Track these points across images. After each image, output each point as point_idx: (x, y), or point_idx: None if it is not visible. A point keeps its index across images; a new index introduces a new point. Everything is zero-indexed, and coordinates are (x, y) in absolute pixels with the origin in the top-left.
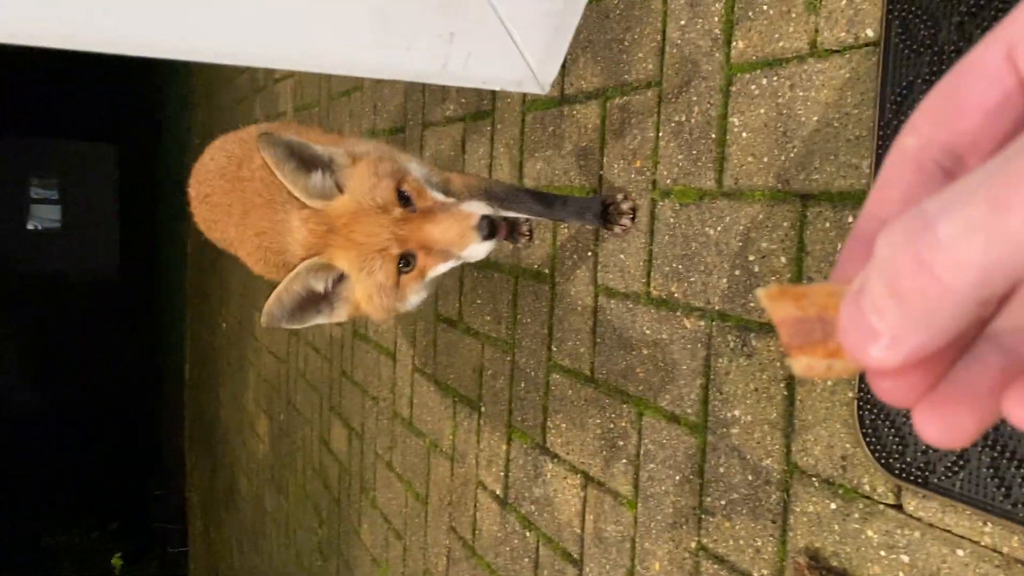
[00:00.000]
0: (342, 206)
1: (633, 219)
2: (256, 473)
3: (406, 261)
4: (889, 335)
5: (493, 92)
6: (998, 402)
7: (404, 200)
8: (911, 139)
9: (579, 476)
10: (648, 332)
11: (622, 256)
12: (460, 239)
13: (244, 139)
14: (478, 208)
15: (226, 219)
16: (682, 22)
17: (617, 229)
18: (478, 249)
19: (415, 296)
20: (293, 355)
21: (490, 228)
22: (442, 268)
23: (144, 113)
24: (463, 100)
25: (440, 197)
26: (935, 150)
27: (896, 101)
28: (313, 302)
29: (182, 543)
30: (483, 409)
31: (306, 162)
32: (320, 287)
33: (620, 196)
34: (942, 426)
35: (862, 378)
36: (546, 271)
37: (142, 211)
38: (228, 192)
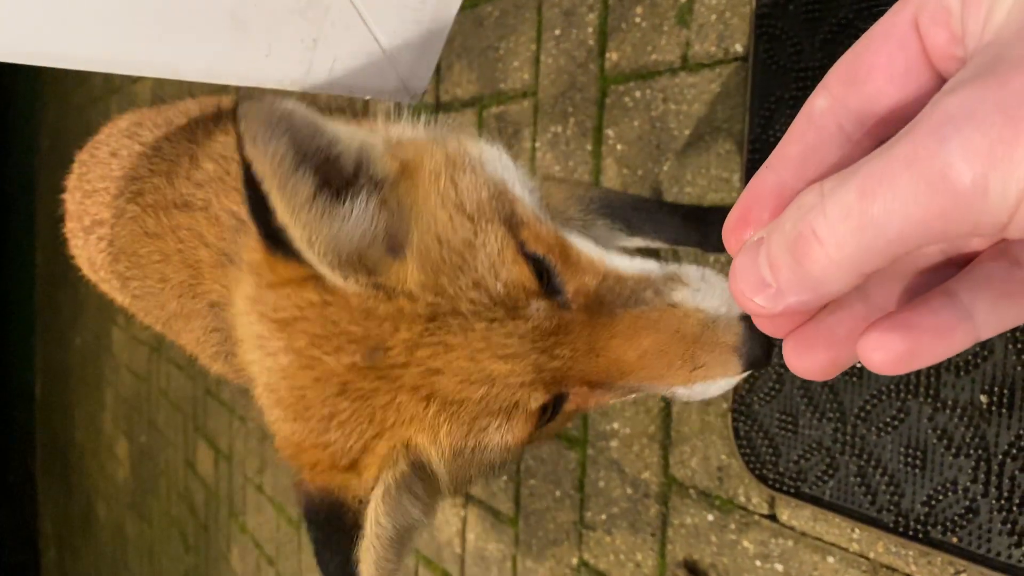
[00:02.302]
0: (408, 295)
1: None
2: (116, 498)
3: (550, 406)
4: (776, 288)
5: (366, 101)
6: (853, 344)
7: (539, 272)
8: (821, 100)
9: (459, 496)
10: None
11: None
12: (688, 364)
13: (177, 119)
14: (728, 300)
15: (143, 271)
16: (556, 32)
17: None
18: (726, 384)
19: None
20: (154, 373)
21: (762, 346)
22: (615, 401)
23: None
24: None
25: (606, 258)
26: (841, 112)
27: (765, 116)
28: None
29: None
30: None
31: (324, 171)
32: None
33: None
34: (805, 362)
35: (737, 390)
36: None
37: None
38: (143, 223)
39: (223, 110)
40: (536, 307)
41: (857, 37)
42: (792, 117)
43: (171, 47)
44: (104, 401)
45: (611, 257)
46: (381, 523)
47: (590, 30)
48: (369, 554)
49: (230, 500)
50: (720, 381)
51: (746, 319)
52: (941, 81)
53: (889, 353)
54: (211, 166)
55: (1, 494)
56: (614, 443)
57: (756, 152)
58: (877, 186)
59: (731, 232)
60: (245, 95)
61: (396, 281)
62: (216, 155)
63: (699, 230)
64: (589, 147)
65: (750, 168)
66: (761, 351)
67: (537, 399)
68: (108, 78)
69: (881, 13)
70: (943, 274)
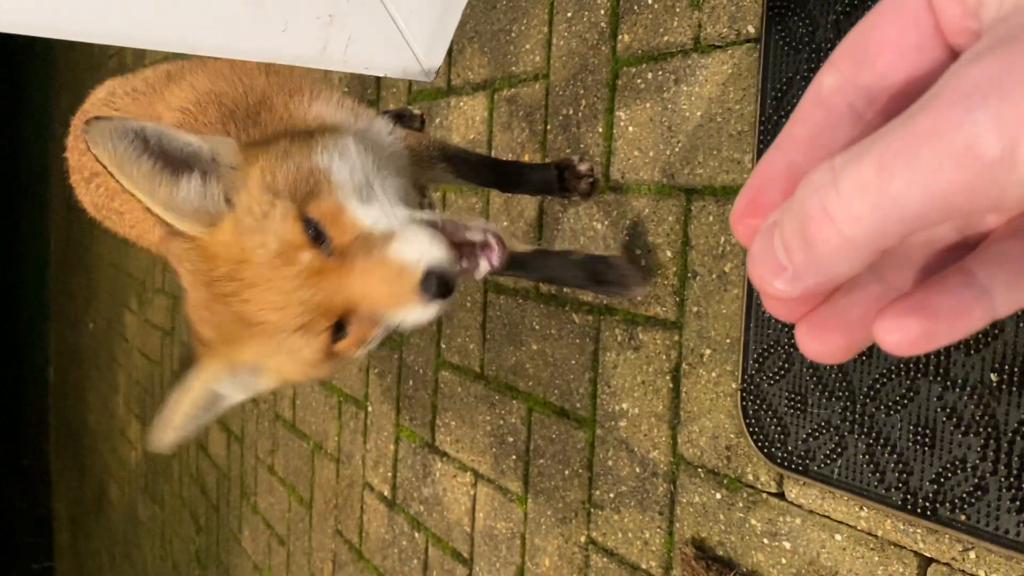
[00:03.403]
0: (224, 244)
1: (593, 183)
2: (128, 481)
3: (338, 326)
4: (793, 271)
5: (378, 80)
6: (868, 326)
7: (316, 235)
8: (829, 78)
9: (469, 474)
10: (537, 327)
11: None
12: (392, 300)
13: (160, 82)
14: (423, 251)
15: (132, 205)
16: (569, 14)
17: (576, 197)
18: (419, 315)
19: (360, 353)
20: (167, 356)
21: (440, 286)
22: (378, 334)
23: None
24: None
25: (368, 218)
26: (850, 90)
27: (776, 97)
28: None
29: (47, 557)
30: (370, 408)
31: (174, 160)
32: (227, 388)
33: (576, 159)
34: (818, 346)
35: (746, 369)
36: None
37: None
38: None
39: (172, 74)
40: (305, 256)
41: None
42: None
43: (188, 22)
44: (117, 384)
45: (372, 220)
46: (197, 385)
47: (602, 12)
48: (181, 397)
49: (241, 481)
50: (411, 312)
51: (434, 271)
52: (954, 56)
53: (906, 335)
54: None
55: (15, 477)
56: (623, 423)
57: (768, 133)
58: (896, 160)
59: (740, 218)
60: (93, 118)
61: (220, 233)
62: (175, 107)
63: (498, 179)
64: (600, 129)
65: (762, 148)
66: (438, 291)
67: (319, 323)
68: (121, 63)
69: None
70: (957, 253)
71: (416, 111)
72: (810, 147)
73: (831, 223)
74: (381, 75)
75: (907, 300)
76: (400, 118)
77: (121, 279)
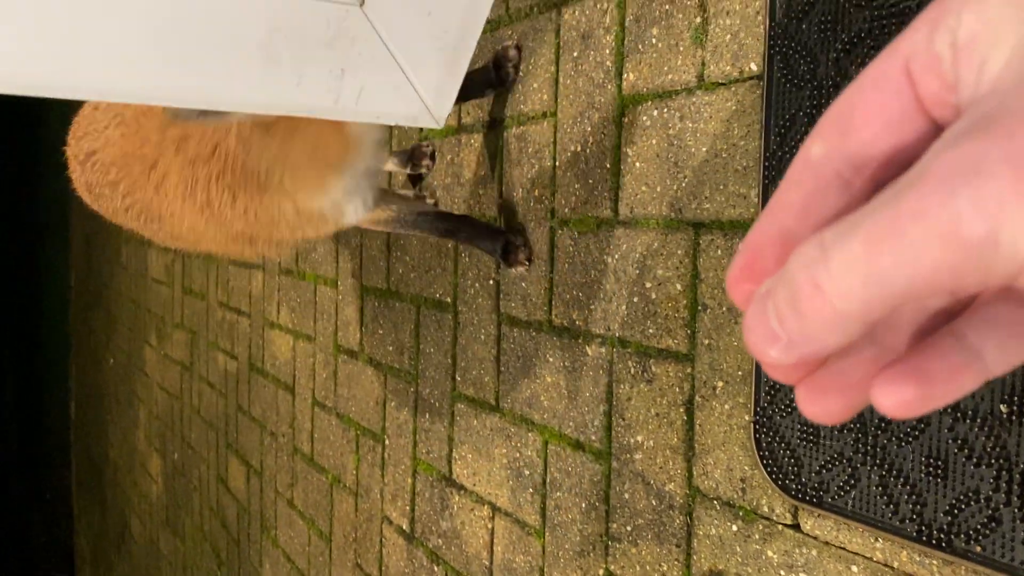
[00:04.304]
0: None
1: (530, 261)
2: (149, 515)
3: None
4: (787, 340)
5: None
6: (865, 389)
7: None
8: (816, 146)
9: (486, 507)
10: (551, 360)
11: (524, 284)
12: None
13: None
14: None
15: (127, 172)
16: (575, 54)
17: (518, 268)
18: None
19: None
20: (186, 391)
21: None
22: None
23: (20, 135)
24: None
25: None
26: (838, 159)
27: (780, 133)
28: None
29: None
30: (387, 442)
31: None
32: None
33: (520, 239)
34: (818, 408)
35: (758, 401)
36: (448, 300)
37: (21, 240)
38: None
39: None
40: None
41: (870, 53)
42: (806, 133)
43: (204, 79)
44: (137, 419)
45: None
46: None
47: (607, 51)
48: None
49: (261, 515)
50: None
51: None
52: (937, 127)
53: (902, 399)
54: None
55: (38, 512)
56: (638, 455)
57: (772, 168)
58: (884, 239)
59: (736, 283)
60: None
61: None
62: None
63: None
64: (608, 165)
65: (767, 184)
66: None
67: None
68: None
69: (893, 29)
70: (950, 312)
71: (426, 147)
72: (801, 213)
73: (822, 297)
74: (392, 123)
75: (901, 365)
76: (412, 156)
77: (140, 314)
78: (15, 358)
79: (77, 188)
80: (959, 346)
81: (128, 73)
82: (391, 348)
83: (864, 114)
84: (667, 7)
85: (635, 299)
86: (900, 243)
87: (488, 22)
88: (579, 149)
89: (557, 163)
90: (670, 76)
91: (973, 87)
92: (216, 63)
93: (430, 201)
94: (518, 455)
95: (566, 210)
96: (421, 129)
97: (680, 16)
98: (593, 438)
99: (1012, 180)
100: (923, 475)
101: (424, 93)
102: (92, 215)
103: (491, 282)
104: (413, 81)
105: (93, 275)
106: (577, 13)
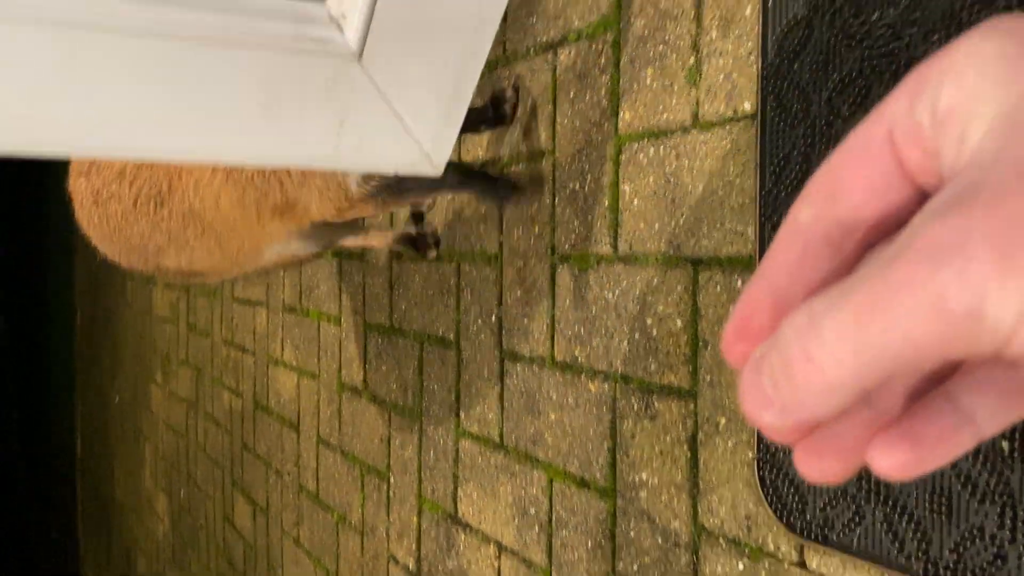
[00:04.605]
0: None
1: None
2: (156, 554)
3: None
4: (780, 407)
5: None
6: (862, 450)
7: None
8: (805, 211)
9: (492, 546)
10: (555, 396)
11: (525, 320)
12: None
13: None
14: None
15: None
16: (571, 93)
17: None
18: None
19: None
20: (192, 429)
21: None
22: None
23: (24, 171)
24: None
25: None
26: (826, 223)
27: (775, 172)
28: None
29: None
30: (392, 480)
31: None
32: None
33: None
34: (816, 469)
35: (760, 439)
36: (451, 336)
37: (26, 277)
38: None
39: None
40: None
41: (862, 92)
42: (801, 172)
43: (204, 135)
44: (143, 457)
45: None
46: None
47: (603, 91)
48: None
49: (268, 554)
50: None
51: None
52: (922, 192)
53: (897, 462)
54: None
55: (45, 551)
56: (643, 493)
57: (768, 206)
58: (873, 310)
59: (731, 345)
60: None
61: None
62: None
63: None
64: (607, 202)
65: (763, 222)
66: None
67: None
68: None
69: (884, 68)
70: (943, 373)
71: (431, 239)
72: (793, 276)
73: (814, 366)
74: (391, 172)
75: (896, 428)
76: (414, 242)
77: (145, 351)
78: (21, 396)
79: (78, 199)
80: (951, 408)
81: (127, 131)
82: (395, 385)
83: (850, 180)
84: (661, 48)
85: (636, 335)
86: (889, 315)
87: (486, 63)
88: (577, 187)
89: (556, 200)
90: (665, 115)
91: (954, 157)
92: (215, 118)
93: (431, 254)
94: (523, 493)
95: (566, 247)
96: None
97: (674, 57)
98: (598, 476)
99: (993, 256)
100: (928, 512)
101: (423, 141)
102: (98, 255)
103: (493, 318)
104: (412, 130)
105: (98, 313)
106: (572, 54)
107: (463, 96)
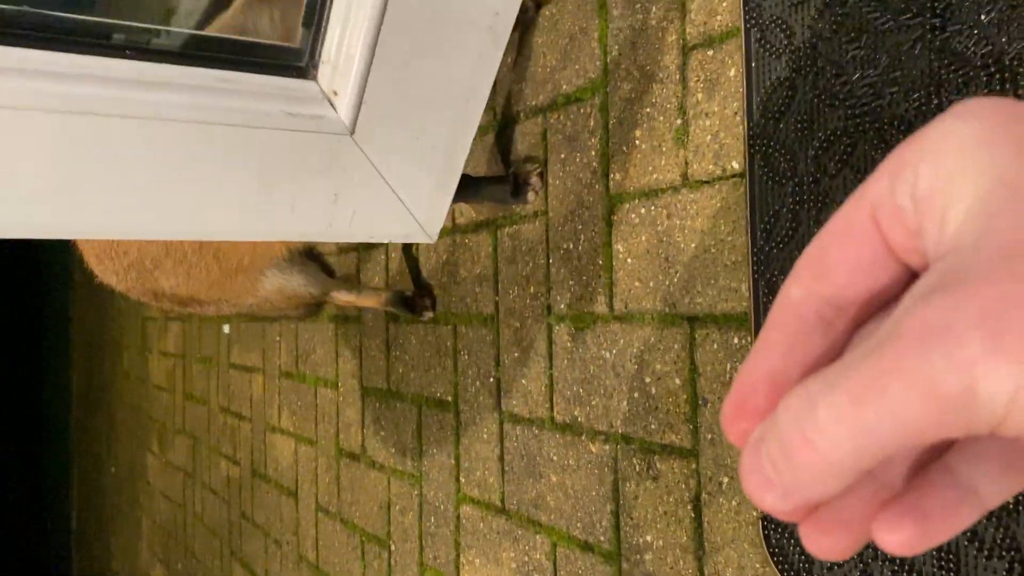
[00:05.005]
0: None
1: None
2: None
3: None
4: (781, 488)
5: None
6: (867, 525)
7: None
8: (795, 289)
9: None
10: (555, 458)
11: (524, 381)
12: None
13: None
14: None
15: None
16: (562, 155)
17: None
18: None
19: None
20: (189, 498)
21: None
22: None
23: (22, 244)
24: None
25: None
26: (816, 301)
27: (766, 229)
28: None
29: None
30: (392, 547)
31: None
32: None
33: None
34: (823, 546)
35: None
36: (449, 399)
37: (22, 347)
38: None
39: None
40: None
41: (846, 150)
42: (791, 230)
43: (204, 213)
44: (140, 528)
45: None
46: None
47: (593, 153)
48: None
49: None
50: None
51: None
52: (909, 270)
53: (904, 538)
54: None
55: None
56: (648, 555)
57: (760, 263)
58: (867, 392)
59: (730, 423)
60: None
61: None
62: None
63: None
64: (601, 261)
65: (756, 279)
66: None
67: None
68: None
69: (867, 127)
70: (943, 445)
71: (427, 301)
72: (787, 354)
73: (812, 449)
74: (386, 241)
75: (899, 504)
76: (408, 302)
77: (142, 421)
78: (16, 467)
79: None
80: (953, 481)
81: (126, 213)
82: (393, 450)
83: (837, 259)
84: (648, 110)
85: (636, 394)
86: (883, 398)
87: (477, 127)
88: (571, 247)
89: (551, 261)
90: (655, 175)
91: (937, 239)
92: (214, 197)
93: (427, 315)
94: (527, 559)
95: (562, 306)
96: (415, 244)
97: (661, 119)
98: (602, 539)
99: (982, 338)
100: (935, 570)
101: (416, 211)
102: (93, 322)
103: (491, 379)
104: (405, 201)
105: (95, 382)
106: (562, 117)
107: (455, 166)
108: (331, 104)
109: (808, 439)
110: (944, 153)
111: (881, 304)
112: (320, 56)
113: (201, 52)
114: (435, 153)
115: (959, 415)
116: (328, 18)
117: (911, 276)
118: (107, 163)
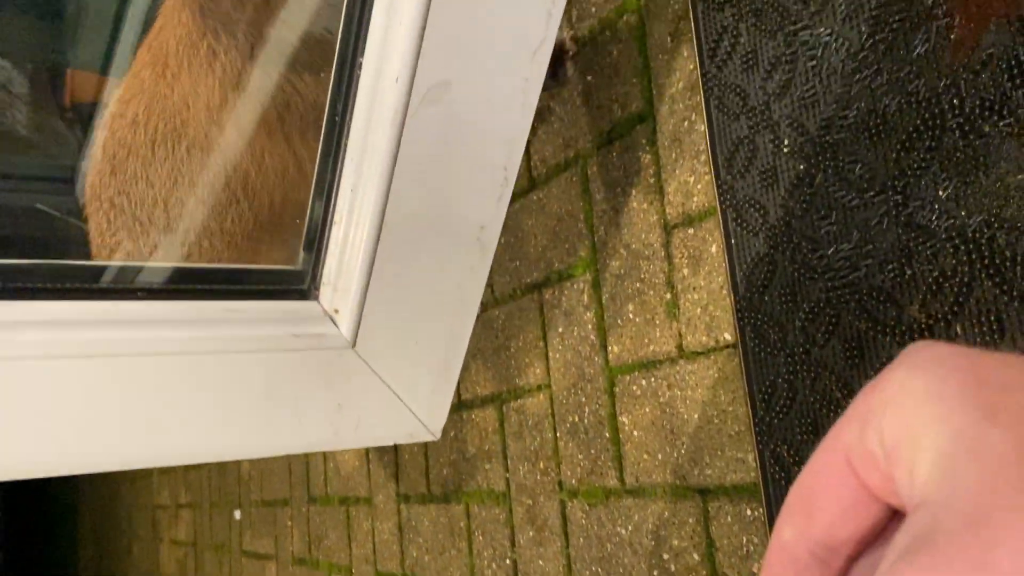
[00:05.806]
0: None
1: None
2: None
3: None
4: None
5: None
6: None
7: None
8: (787, 529)
9: None
10: None
11: (541, 562)
12: None
13: None
14: None
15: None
16: (560, 329)
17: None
18: None
19: None
20: None
21: None
22: None
23: None
24: None
25: None
26: (808, 542)
27: (764, 399)
28: None
29: None
30: None
31: None
32: None
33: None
34: None
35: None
36: None
37: (29, 538)
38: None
39: None
40: None
41: (832, 321)
42: (789, 399)
43: (210, 434)
44: None
45: None
46: None
47: (590, 327)
48: None
49: None
50: None
51: None
52: (892, 510)
53: None
54: None
55: None
56: None
57: (764, 433)
58: None
59: None
60: None
61: None
62: None
63: None
64: (607, 434)
65: (761, 449)
66: None
67: None
68: None
69: (848, 298)
70: None
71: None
72: None
73: None
74: (390, 443)
75: None
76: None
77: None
78: None
79: (95, 173)
80: None
81: (137, 443)
82: None
83: (822, 501)
84: (638, 285)
85: (655, 572)
86: None
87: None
88: (577, 419)
89: (558, 434)
90: (652, 347)
91: (908, 487)
92: (223, 420)
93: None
94: None
95: (573, 481)
96: None
97: (651, 293)
98: None
99: None
100: None
101: (419, 412)
102: (101, 509)
103: (508, 561)
104: (408, 403)
105: (103, 573)
106: (556, 293)
107: (454, 366)
108: (333, 322)
109: None
110: (904, 404)
111: (873, 539)
112: (321, 278)
113: (209, 286)
114: (434, 355)
115: None
116: (327, 242)
117: (896, 515)
118: (122, 399)
